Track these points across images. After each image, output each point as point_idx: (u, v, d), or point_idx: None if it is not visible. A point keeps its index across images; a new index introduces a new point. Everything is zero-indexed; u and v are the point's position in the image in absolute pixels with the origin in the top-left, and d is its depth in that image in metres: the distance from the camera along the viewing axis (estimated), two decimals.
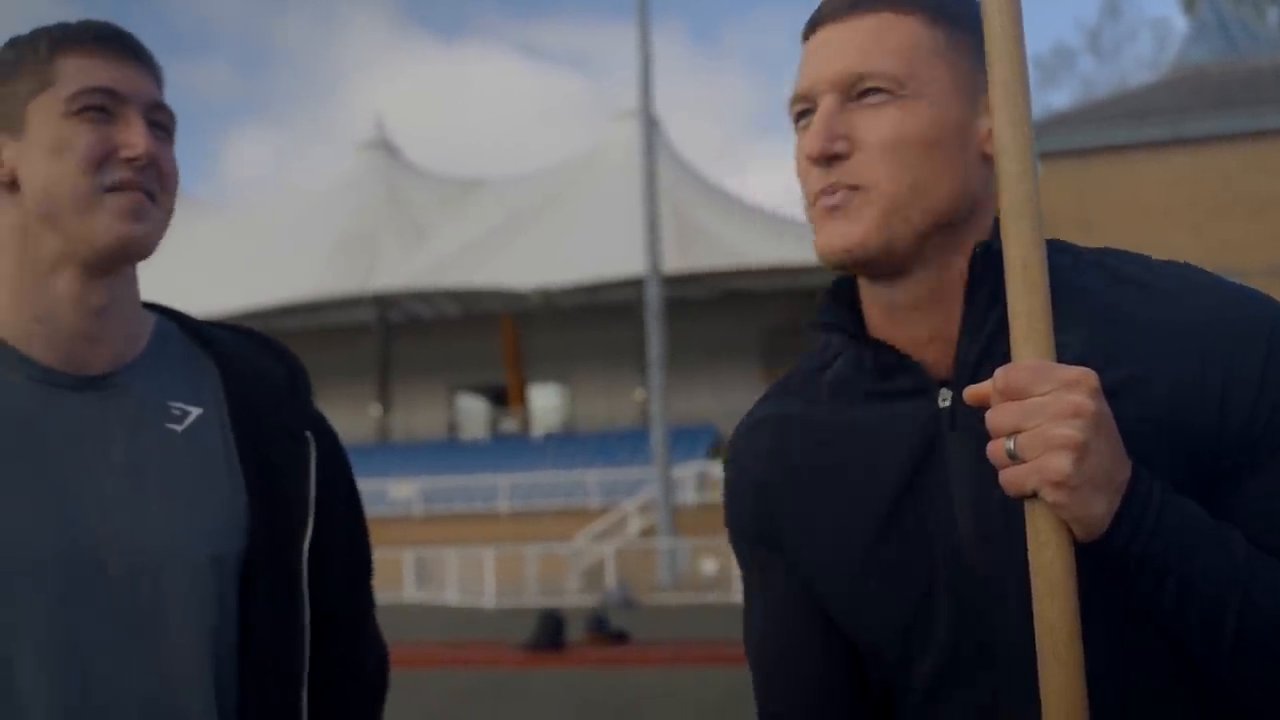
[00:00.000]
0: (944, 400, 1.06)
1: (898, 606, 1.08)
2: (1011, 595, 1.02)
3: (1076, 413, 0.89)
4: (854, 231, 1.02)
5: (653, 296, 24.92)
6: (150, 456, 1.21)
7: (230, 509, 1.23)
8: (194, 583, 1.19)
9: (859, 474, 1.10)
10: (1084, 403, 0.89)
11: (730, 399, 36.07)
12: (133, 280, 1.26)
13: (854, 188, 1.03)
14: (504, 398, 39.74)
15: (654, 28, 23.49)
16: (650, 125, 22.93)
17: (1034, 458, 0.90)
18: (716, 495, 28.44)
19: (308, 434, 1.33)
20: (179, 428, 1.24)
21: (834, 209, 1.04)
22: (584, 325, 37.57)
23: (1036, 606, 0.94)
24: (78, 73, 1.17)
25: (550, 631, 13.61)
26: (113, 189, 1.16)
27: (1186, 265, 1.08)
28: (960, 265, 1.06)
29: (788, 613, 1.19)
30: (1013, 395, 0.91)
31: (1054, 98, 40.47)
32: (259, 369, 1.33)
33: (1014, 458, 0.91)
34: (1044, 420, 0.89)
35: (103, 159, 1.16)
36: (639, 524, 27.72)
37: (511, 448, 36.24)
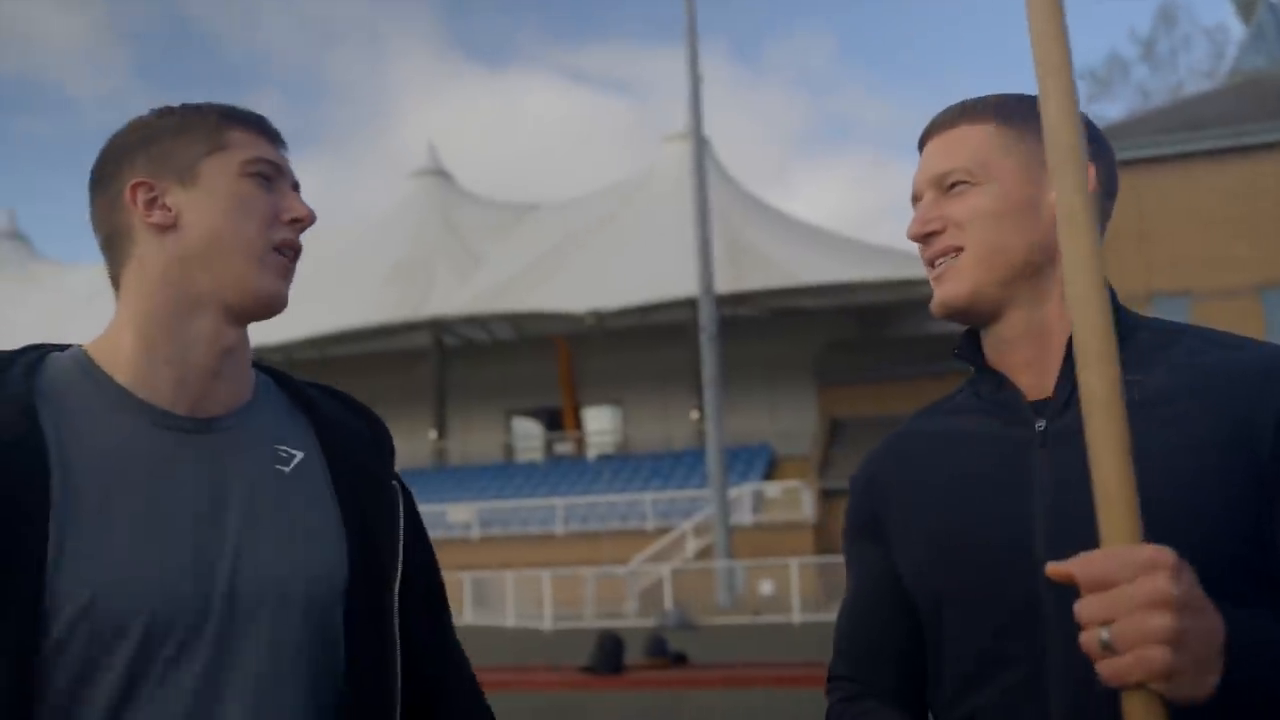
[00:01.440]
0: (1039, 425, 1.30)
1: (976, 574, 1.27)
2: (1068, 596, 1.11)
3: (1163, 600, 0.92)
4: (950, 288, 1.35)
5: (707, 317, 24.96)
6: (264, 497, 1.27)
7: (336, 550, 1.30)
8: (309, 622, 1.25)
9: (954, 471, 1.35)
10: (1167, 588, 0.92)
11: (785, 418, 35.93)
12: (246, 332, 1.36)
13: (952, 252, 1.35)
14: (559, 420, 39.88)
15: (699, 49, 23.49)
16: (701, 146, 22.97)
17: (1130, 649, 0.93)
18: (772, 515, 28.47)
19: (395, 484, 1.42)
20: (286, 469, 1.31)
21: (939, 276, 1.37)
22: (637, 347, 37.64)
23: None
24: (249, 143, 1.32)
25: (609, 654, 13.59)
26: (278, 248, 1.30)
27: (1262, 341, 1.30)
28: (1048, 308, 1.34)
29: (873, 595, 1.43)
30: (1096, 586, 0.95)
31: (1109, 109, 40.01)
32: (346, 423, 1.42)
33: (1108, 648, 0.94)
34: (1134, 609, 0.93)
35: (272, 220, 1.30)
36: (695, 545, 27.67)
37: (567, 470, 36.36)
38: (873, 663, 1.43)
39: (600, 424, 40.49)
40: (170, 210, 1.27)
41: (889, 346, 34.80)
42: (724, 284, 29.39)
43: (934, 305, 1.38)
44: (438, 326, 38.08)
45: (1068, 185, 1.06)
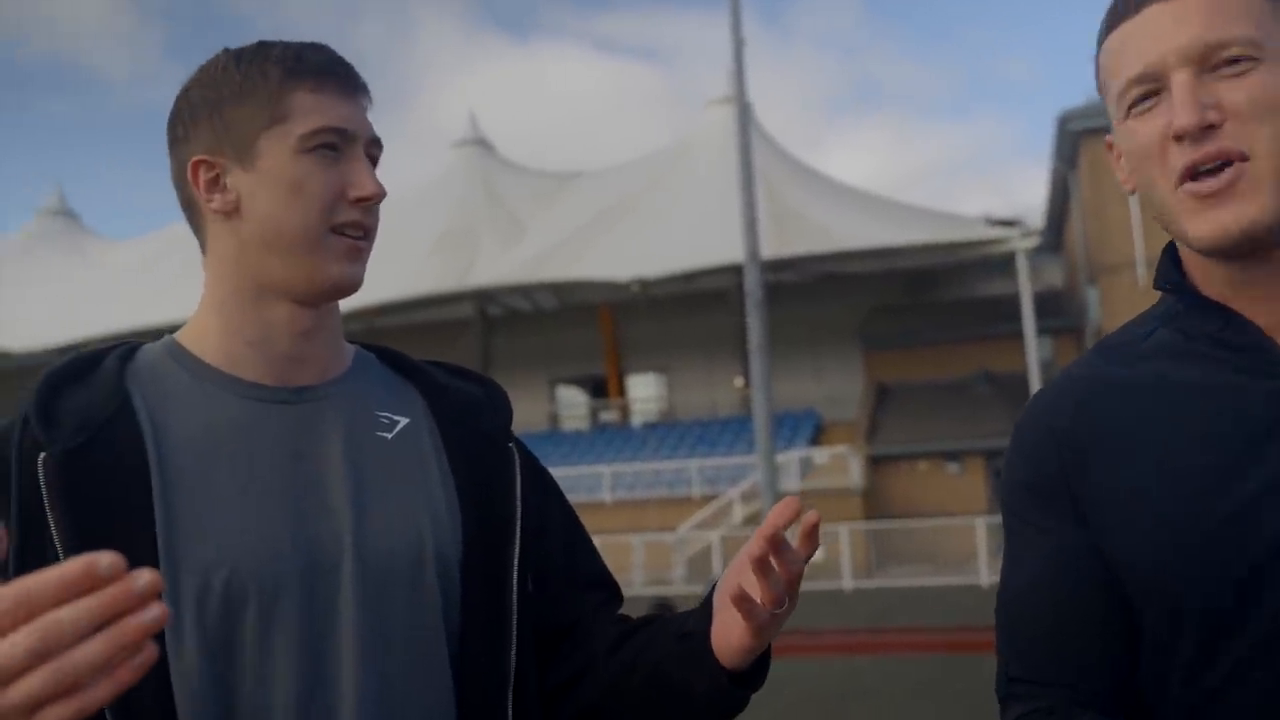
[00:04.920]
0: None
1: (1230, 569, 1.01)
2: None
3: None
4: (1247, 211, 0.99)
5: (753, 283, 24.86)
6: (365, 463, 1.25)
7: (447, 515, 1.27)
8: (419, 589, 1.22)
9: (1187, 434, 1.05)
10: None
11: (831, 383, 35.72)
12: (336, 306, 1.31)
13: (1236, 160, 0.99)
14: (603, 388, 39.94)
15: (719, 12, 23.28)
16: (745, 110, 22.77)
17: None
18: (820, 481, 28.37)
19: (510, 445, 1.38)
20: (388, 435, 1.28)
21: (1218, 193, 1.00)
22: (681, 314, 37.55)
23: None
24: (312, 109, 1.20)
25: None
26: (338, 230, 1.21)
27: None
28: None
29: (1069, 578, 1.11)
30: None
31: None
32: (458, 389, 1.39)
33: None
34: None
35: (334, 200, 1.21)
36: (743, 512, 27.67)
37: (612, 438, 36.44)
38: (1077, 662, 1.10)
39: (645, 391, 40.48)
40: (230, 193, 1.22)
41: (935, 310, 34.48)
42: (769, 249, 29.20)
43: (1213, 234, 1.01)
44: (482, 297, 38.18)
45: None
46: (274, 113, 1.20)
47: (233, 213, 1.22)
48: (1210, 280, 1.09)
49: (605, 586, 1.44)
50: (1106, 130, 1.15)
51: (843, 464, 28.95)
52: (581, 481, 30.95)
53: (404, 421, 1.30)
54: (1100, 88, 1.12)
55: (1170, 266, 1.12)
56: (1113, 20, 1.07)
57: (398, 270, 36.23)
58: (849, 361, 35.33)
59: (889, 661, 11.70)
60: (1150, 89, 1.04)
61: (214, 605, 1.12)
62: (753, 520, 26.82)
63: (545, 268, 36.06)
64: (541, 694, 1.32)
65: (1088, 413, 1.13)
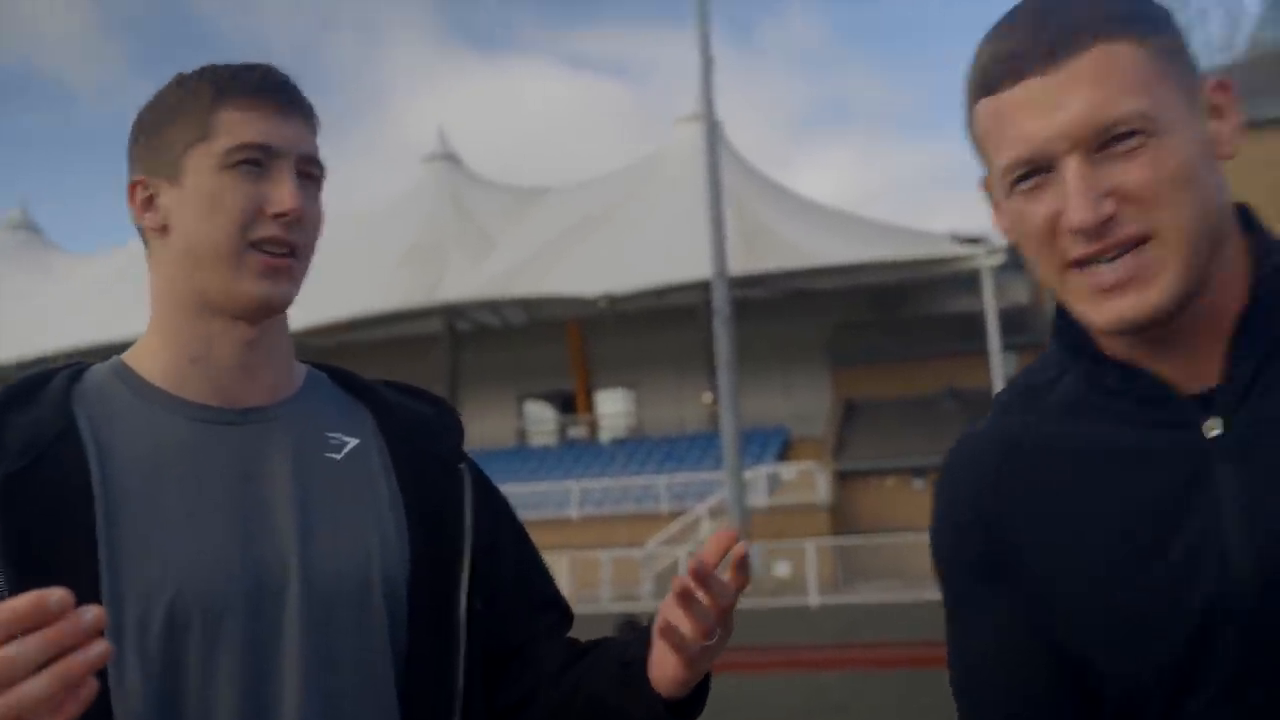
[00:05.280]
0: (1212, 430, 0.98)
1: (1168, 642, 0.98)
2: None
3: None
4: (1148, 297, 0.93)
5: (720, 299, 24.94)
6: (313, 485, 1.25)
7: (395, 536, 1.27)
8: (365, 609, 1.22)
9: (1107, 503, 1.01)
10: None
11: (799, 399, 35.86)
12: (282, 319, 1.30)
13: (1137, 244, 0.93)
14: (571, 404, 39.90)
15: (691, 30, 23.40)
16: (714, 128, 22.88)
17: None
18: (788, 498, 28.47)
19: (461, 467, 1.37)
20: (337, 456, 1.28)
21: (1124, 282, 0.94)
22: (650, 330, 37.59)
23: None
24: (236, 126, 1.20)
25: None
26: (256, 245, 1.20)
27: None
28: (1219, 280, 0.98)
29: (1012, 648, 1.07)
30: None
31: None
32: (409, 409, 1.39)
33: None
34: None
35: (253, 216, 1.20)
36: (710, 527, 27.67)
37: (580, 454, 36.39)
38: None
39: (613, 407, 40.47)
40: (160, 212, 1.23)
41: (902, 327, 34.68)
42: (737, 266, 29.29)
43: (1118, 321, 0.95)
44: (450, 312, 38.08)
45: None
46: (200, 130, 1.21)
47: (163, 230, 1.23)
48: (1109, 339, 1.04)
49: (556, 608, 1.45)
50: None
51: (810, 480, 29.03)
52: (549, 497, 30.87)
53: (353, 442, 1.30)
54: (974, 146, 1.05)
55: (1064, 321, 1.07)
56: (985, 85, 0.99)
57: (366, 285, 36.09)
58: (817, 378, 35.46)
59: (856, 678, 11.72)
60: (1031, 170, 0.97)
61: (158, 627, 1.12)
62: None
63: (514, 283, 36.02)
64: (490, 714, 1.33)
65: (1007, 487, 1.08)
